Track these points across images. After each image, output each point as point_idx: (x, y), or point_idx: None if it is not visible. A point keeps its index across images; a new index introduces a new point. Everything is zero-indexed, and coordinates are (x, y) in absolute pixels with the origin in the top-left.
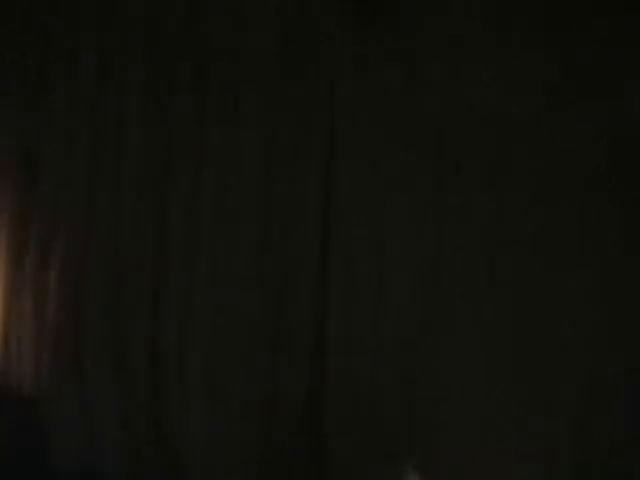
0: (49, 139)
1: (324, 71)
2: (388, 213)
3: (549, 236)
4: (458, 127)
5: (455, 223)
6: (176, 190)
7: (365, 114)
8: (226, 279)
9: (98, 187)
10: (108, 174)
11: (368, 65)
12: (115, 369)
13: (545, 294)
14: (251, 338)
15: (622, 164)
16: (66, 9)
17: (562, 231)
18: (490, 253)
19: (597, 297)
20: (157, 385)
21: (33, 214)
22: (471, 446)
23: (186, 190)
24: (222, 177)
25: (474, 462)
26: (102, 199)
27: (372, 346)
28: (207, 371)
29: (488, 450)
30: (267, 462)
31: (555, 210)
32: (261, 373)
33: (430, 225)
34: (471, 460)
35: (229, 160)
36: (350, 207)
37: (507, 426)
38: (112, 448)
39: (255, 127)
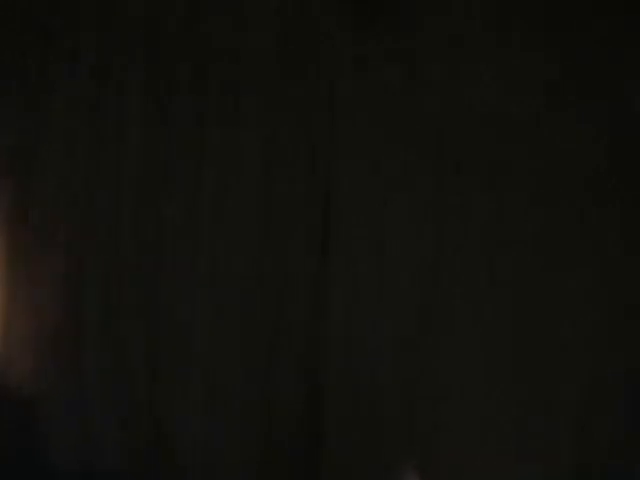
0: (49, 139)
1: (324, 71)
2: (388, 213)
3: (549, 236)
4: (458, 127)
5: (455, 223)
6: (176, 190)
7: (365, 114)
8: (226, 279)
9: (97, 187)
10: (108, 174)
11: (368, 65)
12: (114, 369)
13: (545, 294)
14: (251, 338)
15: (622, 164)
16: (66, 9)
17: (562, 231)
18: (490, 253)
19: (597, 297)
20: (156, 385)
21: (31, 214)
22: (471, 446)
23: (186, 190)
24: (222, 177)
25: (474, 462)
26: (101, 199)
27: (372, 346)
28: (207, 371)
29: (488, 450)
30: (267, 462)
31: (555, 210)
32: (261, 373)
33: (430, 225)
34: (471, 460)
35: (229, 160)
36: (350, 207)
37: (507, 426)
38: (111, 448)
39: (255, 127)
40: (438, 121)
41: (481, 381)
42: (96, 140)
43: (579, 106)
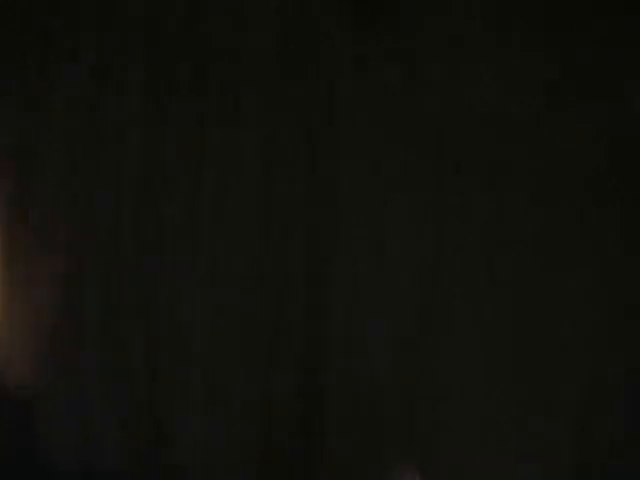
0: (48, 139)
1: (324, 71)
2: (388, 213)
3: (549, 236)
4: (458, 127)
5: (455, 223)
6: (176, 190)
7: (365, 114)
8: (226, 279)
9: (97, 187)
10: (108, 174)
11: (368, 65)
12: (114, 369)
13: (545, 294)
14: (251, 338)
15: (622, 164)
16: (66, 9)
17: (562, 231)
18: (490, 253)
19: (597, 297)
20: (156, 385)
21: (31, 214)
22: (471, 446)
23: (186, 190)
24: (222, 177)
25: (474, 462)
26: (101, 199)
27: (372, 346)
28: (207, 371)
29: (488, 450)
30: (267, 462)
31: (555, 210)
32: (261, 373)
33: (430, 225)
34: (471, 460)
35: (229, 160)
36: (350, 207)
37: (507, 426)
38: (111, 448)
39: (255, 127)
40: (438, 121)
41: (481, 381)
42: (96, 140)
43: (579, 106)
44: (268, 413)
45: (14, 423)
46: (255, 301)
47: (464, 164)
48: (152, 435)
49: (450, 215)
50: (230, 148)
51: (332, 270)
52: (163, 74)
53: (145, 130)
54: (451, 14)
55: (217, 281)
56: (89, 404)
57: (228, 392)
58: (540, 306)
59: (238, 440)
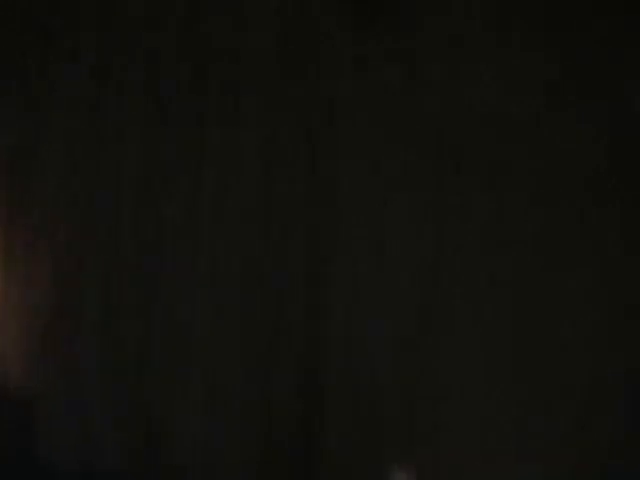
0: (49, 139)
1: (324, 71)
2: (388, 213)
3: (549, 236)
4: (458, 127)
5: (455, 223)
6: (176, 190)
7: (365, 114)
8: (226, 279)
9: (97, 187)
10: (108, 174)
11: (368, 65)
12: (114, 369)
13: (545, 294)
14: (251, 338)
15: (622, 164)
16: (66, 9)
17: (562, 231)
18: (490, 253)
19: (597, 297)
20: (156, 385)
21: (30, 214)
22: (471, 446)
23: (186, 190)
24: (222, 177)
25: (474, 462)
26: (101, 199)
27: (372, 346)
28: (207, 371)
29: (488, 450)
30: (267, 462)
31: (555, 210)
32: (261, 373)
33: (430, 225)
34: (471, 460)
35: (229, 160)
36: (350, 207)
37: (507, 426)
38: (110, 448)
39: (255, 127)
40: (438, 121)
41: (481, 381)
42: (96, 140)
43: (579, 106)
44: (268, 413)
45: (14, 423)
46: (255, 301)
47: (464, 164)
48: (152, 435)
49: (450, 215)
50: (230, 148)
51: (332, 270)
52: (163, 74)
53: (145, 130)
54: (451, 14)
55: (217, 281)
56: (89, 404)
57: (228, 392)
58: (540, 306)
59: (238, 440)
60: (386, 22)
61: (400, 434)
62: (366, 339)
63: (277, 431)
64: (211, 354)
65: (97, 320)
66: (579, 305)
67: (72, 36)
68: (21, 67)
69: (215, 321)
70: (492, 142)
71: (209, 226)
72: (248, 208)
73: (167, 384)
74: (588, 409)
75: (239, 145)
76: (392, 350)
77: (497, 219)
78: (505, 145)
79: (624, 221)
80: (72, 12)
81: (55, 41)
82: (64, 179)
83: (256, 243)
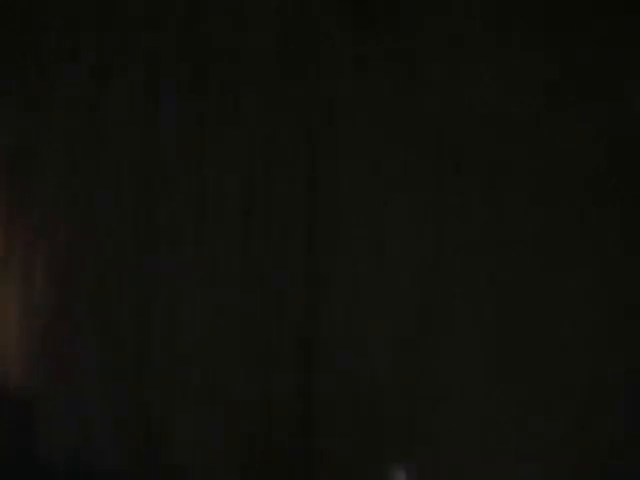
0: (49, 139)
1: (324, 71)
2: (388, 213)
3: (549, 236)
4: (458, 127)
5: (455, 223)
6: (176, 190)
7: (365, 114)
8: (226, 279)
9: (97, 187)
10: (108, 174)
11: (368, 65)
12: (113, 369)
13: (545, 294)
14: (251, 338)
15: (622, 164)
16: (66, 9)
17: (562, 231)
18: (490, 253)
19: (597, 297)
20: (156, 385)
21: (30, 214)
22: (471, 446)
23: (186, 190)
24: (222, 177)
25: (474, 462)
26: (101, 199)
27: (372, 346)
28: (207, 371)
29: (488, 450)
30: (267, 462)
31: (555, 210)
32: (261, 373)
33: (430, 225)
34: (471, 460)
35: (229, 160)
36: (350, 207)
37: (507, 426)
38: (110, 448)
39: (255, 127)
40: (438, 121)
41: (481, 381)
42: (96, 140)
43: (579, 106)
44: (268, 413)
45: (14, 423)
46: (255, 301)
47: (464, 164)
48: (152, 435)
49: (450, 215)
50: (230, 148)
51: (332, 270)
52: (163, 74)
53: (145, 130)
54: (451, 14)
55: (217, 281)
56: (89, 404)
57: (228, 392)
58: (540, 306)
59: (238, 440)
60: (386, 22)
61: (400, 434)
62: (366, 339)
63: (277, 431)
64: (211, 354)
65: (97, 320)
66: (579, 305)
67: (72, 36)
68: (21, 67)
69: (215, 321)
70: (492, 142)
71: (209, 226)
72: (248, 208)
73: (167, 384)
74: (588, 409)
75: (239, 145)
76: (392, 350)
77: (497, 219)
78: (505, 145)
79: (624, 221)
80: (72, 12)
81: (55, 41)
82: (64, 179)
83: (256, 243)
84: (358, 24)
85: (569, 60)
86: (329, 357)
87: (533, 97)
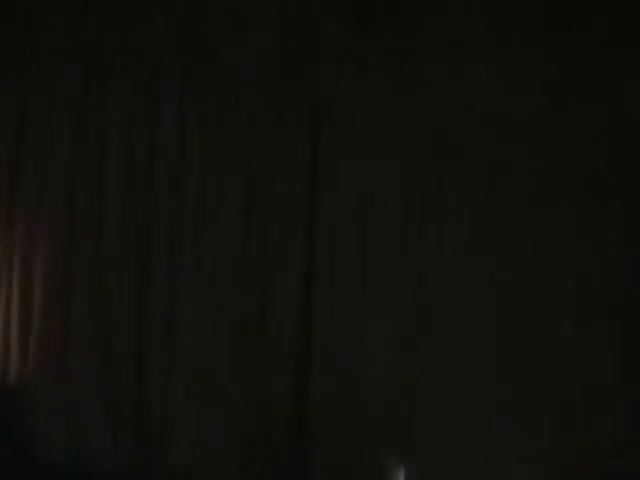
0: (48, 139)
1: (324, 71)
2: (388, 213)
3: (549, 236)
4: (458, 127)
5: (455, 223)
6: (177, 190)
7: (365, 114)
8: (216, 279)
9: (97, 187)
10: (107, 174)
11: (368, 65)
12: (113, 369)
13: (545, 294)
14: (250, 338)
15: (622, 164)
16: (66, 9)
17: (562, 231)
18: (490, 253)
19: (597, 297)
20: (155, 385)
21: (29, 215)
22: (471, 446)
23: (186, 190)
24: (222, 177)
25: (474, 462)
26: (100, 199)
27: (372, 346)
28: (206, 371)
29: (488, 450)
30: (267, 462)
31: (555, 210)
32: (260, 373)
33: (430, 225)
34: (471, 460)
35: (229, 160)
36: (350, 207)
37: (507, 426)
38: (109, 448)
39: (255, 127)
40: (438, 121)
41: (481, 381)
42: (96, 140)
43: (579, 106)
44: (268, 413)
45: (13, 423)
46: (255, 301)
47: (464, 164)
48: (151, 435)
49: (450, 215)
50: (230, 148)
51: (332, 270)
52: (163, 74)
53: (145, 130)
54: (451, 14)
55: (217, 281)
56: (89, 404)
57: (228, 393)
58: (540, 306)
59: (238, 440)
60: (386, 22)
61: (400, 434)
62: (366, 339)
63: (277, 431)
64: (211, 354)
65: (97, 320)
66: (579, 305)
67: (72, 36)
68: (21, 67)
69: (214, 321)
70: (492, 142)
71: (209, 226)
72: (248, 208)
73: (167, 384)
74: (588, 409)
75: (239, 145)
76: (392, 350)
77: (497, 219)
78: (505, 145)
79: (624, 221)
80: (72, 12)
81: (55, 41)
82: (62, 179)
83: (256, 243)
84: (358, 24)
85: (569, 60)
86: (329, 357)
87: (533, 97)
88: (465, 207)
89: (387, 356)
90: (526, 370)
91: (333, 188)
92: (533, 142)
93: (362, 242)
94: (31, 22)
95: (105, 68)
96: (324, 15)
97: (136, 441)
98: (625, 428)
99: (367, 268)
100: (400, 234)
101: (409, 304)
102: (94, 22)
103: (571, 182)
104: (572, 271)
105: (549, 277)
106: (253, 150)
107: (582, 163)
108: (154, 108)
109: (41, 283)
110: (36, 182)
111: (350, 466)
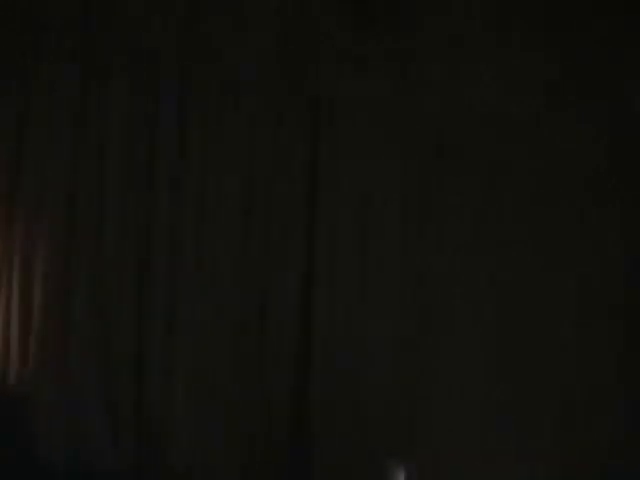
0: (48, 139)
1: (324, 71)
2: (388, 213)
3: (549, 236)
4: (458, 127)
5: (455, 223)
6: (177, 190)
7: (365, 114)
8: (216, 279)
9: (96, 187)
10: (107, 174)
11: (368, 65)
12: (113, 370)
13: (545, 294)
14: (250, 338)
15: (622, 164)
16: (66, 9)
17: (562, 231)
18: (490, 253)
19: (597, 297)
20: (155, 385)
21: (29, 215)
22: (471, 446)
23: (187, 190)
24: (222, 177)
25: (474, 462)
26: (100, 200)
27: (372, 346)
28: (206, 371)
29: (488, 450)
30: (267, 462)
31: (555, 210)
32: (260, 374)
33: (430, 225)
34: (471, 460)
35: (229, 160)
36: (350, 207)
37: (507, 426)
38: (109, 448)
39: (255, 127)
40: (438, 121)
41: (481, 381)
42: (96, 140)
43: (579, 106)
44: (268, 413)
45: (13, 423)
46: (255, 301)
47: (464, 164)
48: (151, 435)
49: (450, 215)
50: (230, 148)
51: (332, 270)
52: (163, 74)
53: (145, 130)
54: (451, 14)
55: (217, 281)
56: (88, 404)
57: (228, 393)
58: (540, 306)
59: (238, 440)
60: (386, 22)
61: (400, 434)
62: (366, 339)
63: (277, 431)
64: (211, 354)
65: (97, 320)
66: (579, 305)
67: (72, 36)
68: (21, 67)
69: (214, 321)
70: (492, 142)
71: (209, 226)
72: (248, 208)
73: (167, 384)
74: (588, 409)
75: (239, 145)
76: (392, 350)
77: (497, 219)
78: (505, 145)
79: (624, 221)
80: (72, 12)
81: (55, 41)
82: (62, 180)
83: (256, 243)
84: (358, 24)
85: (569, 60)
86: (329, 357)
87: (533, 97)
88: (465, 207)
89: (387, 356)
90: (526, 370)
91: (333, 188)
92: (533, 142)
93: (362, 242)
94: (31, 22)
95: (105, 68)
96: (324, 15)
97: (136, 441)
98: (625, 428)
99: (367, 268)
100: (400, 234)
101: (409, 304)
102: (94, 22)
103: (571, 182)
104: (572, 271)
105: (549, 277)
106: (253, 150)
107: (582, 163)
108: (154, 108)
109: (41, 283)
110: (36, 182)
111: (350, 466)
